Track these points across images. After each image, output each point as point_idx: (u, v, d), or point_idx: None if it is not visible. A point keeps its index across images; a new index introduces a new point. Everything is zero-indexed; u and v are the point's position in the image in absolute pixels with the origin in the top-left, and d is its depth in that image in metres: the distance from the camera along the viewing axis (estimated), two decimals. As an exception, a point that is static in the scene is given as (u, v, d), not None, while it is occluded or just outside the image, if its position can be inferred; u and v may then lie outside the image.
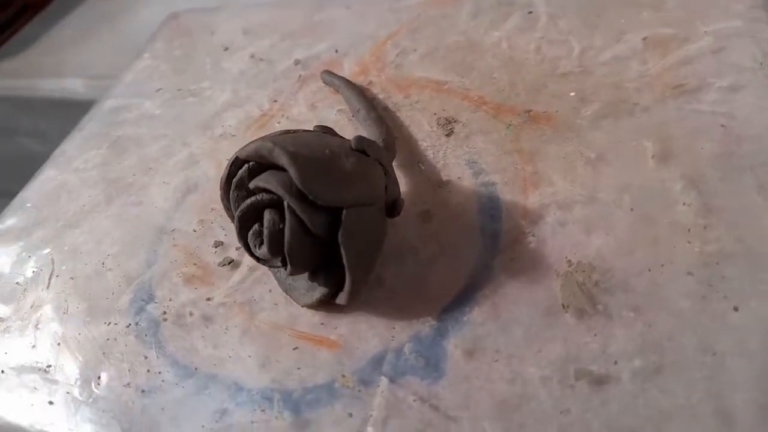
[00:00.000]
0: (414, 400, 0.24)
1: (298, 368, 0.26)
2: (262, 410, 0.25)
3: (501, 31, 0.38)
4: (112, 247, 0.33)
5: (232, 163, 0.27)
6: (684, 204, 0.27)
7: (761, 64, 0.31)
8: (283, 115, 0.38)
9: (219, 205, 0.33)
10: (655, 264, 0.25)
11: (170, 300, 0.30)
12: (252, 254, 0.26)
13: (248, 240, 0.26)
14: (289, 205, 0.24)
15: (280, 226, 0.25)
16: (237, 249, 0.31)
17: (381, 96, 0.37)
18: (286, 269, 0.26)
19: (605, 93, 0.32)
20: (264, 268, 0.30)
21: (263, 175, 0.25)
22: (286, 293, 0.28)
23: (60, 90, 0.66)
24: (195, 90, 0.42)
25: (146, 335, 0.28)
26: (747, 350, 0.22)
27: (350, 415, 0.24)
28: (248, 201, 0.25)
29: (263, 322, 0.28)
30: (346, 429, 0.24)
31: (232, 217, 0.28)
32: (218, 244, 0.32)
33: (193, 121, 0.40)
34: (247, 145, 0.26)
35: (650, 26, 0.35)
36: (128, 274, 0.31)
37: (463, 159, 0.32)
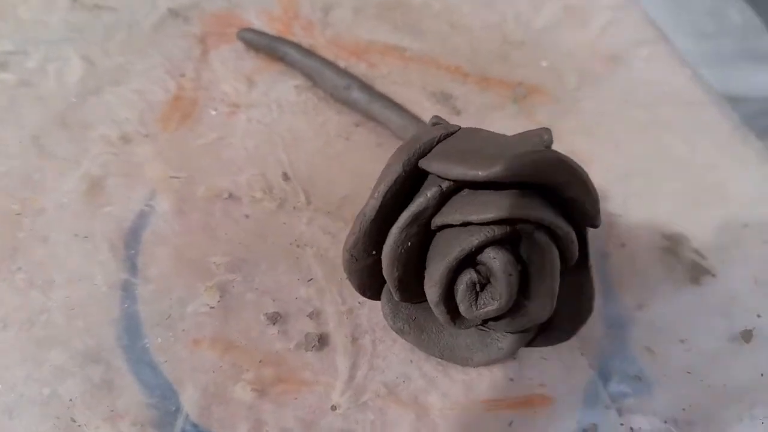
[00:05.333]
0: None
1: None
2: None
3: (422, -12, 0.34)
4: (59, 381, 0.16)
5: (395, 181, 0.17)
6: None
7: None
8: (212, 98, 0.25)
9: (224, 258, 0.21)
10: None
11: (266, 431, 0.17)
12: (455, 316, 0.18)
13: (457, 296, 0.17)
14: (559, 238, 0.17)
15: (519, 269, 0.17)
16: (309, 316, 0.20)
17: (340, 65, 0.28)
18: (494, 328, 0.19)
19: (566, 62, 0.33)
20: (370, 331, 0.20)
21: (506, 201, 0.16)
22: (442, 358, 0.20)
23: None
24: (-6, 56, 0.23)
25: None
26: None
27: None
28: (477, 240, 0.16)
29: (446, 408, 0.19)
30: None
31: (354, 274, 0.18)
32: (275, 318, 0.19)
33: (40, 114, 0.22)
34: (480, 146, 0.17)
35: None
36: (144, 421, 0.16)
37: (495, 141, 0.28)
